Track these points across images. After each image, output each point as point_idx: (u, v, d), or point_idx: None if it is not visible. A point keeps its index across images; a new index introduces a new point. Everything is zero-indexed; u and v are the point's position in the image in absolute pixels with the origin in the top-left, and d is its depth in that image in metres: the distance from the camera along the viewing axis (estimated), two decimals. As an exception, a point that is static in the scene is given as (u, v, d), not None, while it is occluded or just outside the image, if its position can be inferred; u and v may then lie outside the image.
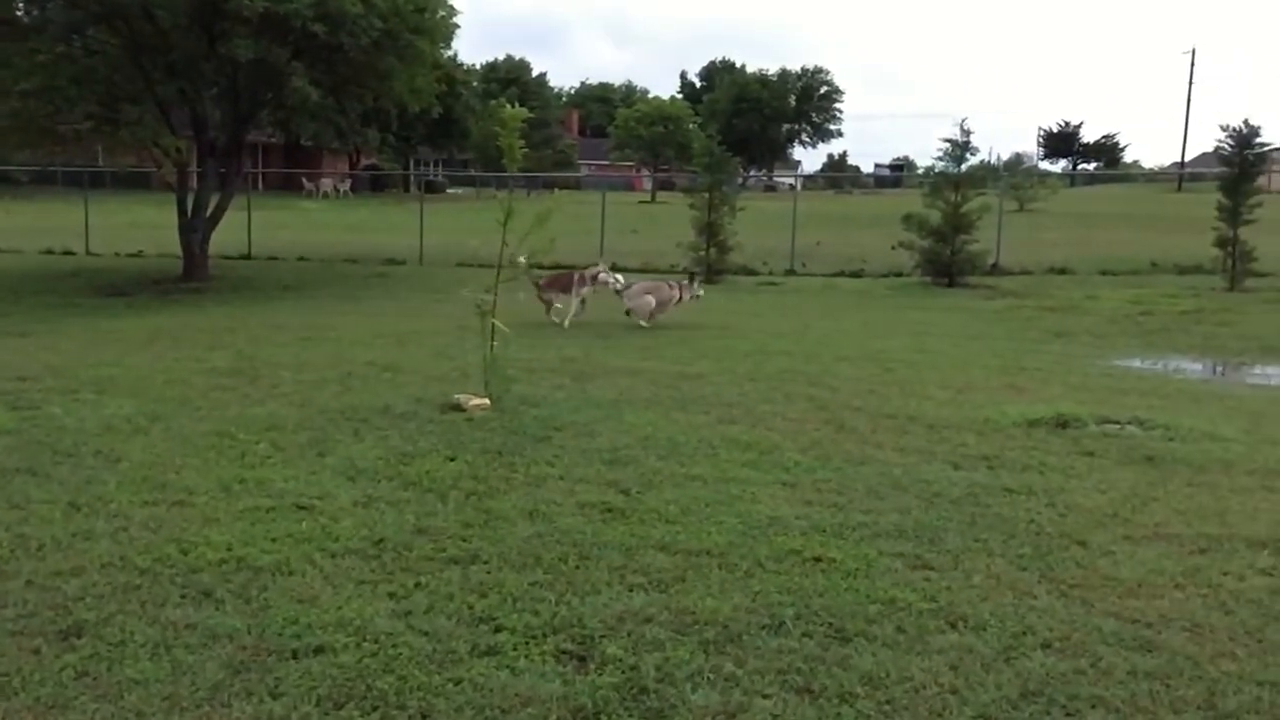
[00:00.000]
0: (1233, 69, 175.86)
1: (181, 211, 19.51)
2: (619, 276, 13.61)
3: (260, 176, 50.65)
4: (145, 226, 27.77)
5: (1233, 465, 6.44)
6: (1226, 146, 19.16)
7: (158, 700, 3.39)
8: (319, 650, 3.71)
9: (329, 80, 18.60)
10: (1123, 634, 3.97)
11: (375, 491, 5.58)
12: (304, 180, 56.29)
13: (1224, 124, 19.28)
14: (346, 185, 59.00)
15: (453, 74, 56.06)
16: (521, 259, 8.21)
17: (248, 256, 24.74)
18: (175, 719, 3.31)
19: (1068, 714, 3.40)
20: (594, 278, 13.37)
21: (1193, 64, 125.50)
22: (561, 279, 13.45)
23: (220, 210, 19.91)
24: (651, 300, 12.98)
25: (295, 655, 3.68)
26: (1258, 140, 19.10)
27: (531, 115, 8.65)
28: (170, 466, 6.03)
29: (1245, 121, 18.99)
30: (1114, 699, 3.48)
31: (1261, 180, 19.94)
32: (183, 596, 4.17)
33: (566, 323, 12.94)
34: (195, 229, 19.51)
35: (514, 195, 7.93)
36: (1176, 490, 5.89)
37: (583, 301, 13.41)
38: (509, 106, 8.20)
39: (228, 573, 4.41)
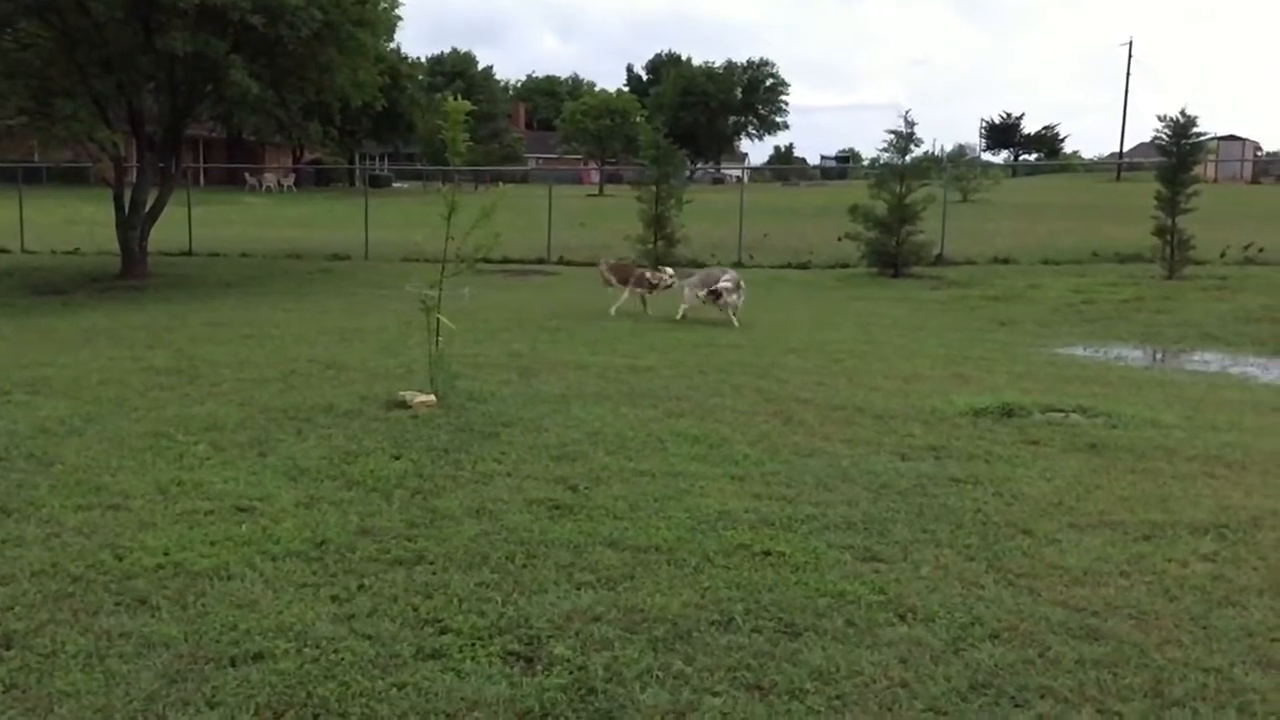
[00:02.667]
0: (1170, 60, 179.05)
1: (119, 208, 19.08)
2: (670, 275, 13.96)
3: (202, 172, 49.78)
4: (82, 223, 27.19)
5: (1174, 452, 6.52)
6: (1164, 137, 19.45)
7: (90, 713, 3.28)
8: (258, 657, 3.62)
9: (269, 73, 18.26)
10: (1070, 623, 3.98)
11: (318, 492, 5.48)
12: (247, 175, 55.49)
13: (1161, 114, 19.63)
14: (290, 180, 58.26)
15: (397, 67, 55.52)
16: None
17: (189, 253, 24.30)
18: (108, 732, 3.21)
19: (1016, 705, 3.40)
20: (652, 284, 13.70)
21: (1130, 55, 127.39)
22: (624, 269, 14.19)
23: (159, 206, 19.51)
24: (697, 296, 13.02)
25: (234, 663, 3.59)
26: (1194, 130, 19.38)
27: (475, 108, 8.54)
28: (105, 469, 5.87)
29: (1182, 112, 19.34)
30: (1062, 688, 3.49)
31: (1198, 170, 20.26)
32: (117, 604, 4.05)
33: (614, 310, 13.41)
34: (134, 226, 19.10)
35: (459, 189, 7.84)
36: (1120, 477, 5.95)
37: (643, 299, 13.77)
38: (452, 99, 8.10)
39: (164, 578, 4.29)
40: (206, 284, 18.52)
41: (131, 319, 13.15)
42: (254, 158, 61.24)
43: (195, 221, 25.27)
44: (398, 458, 6.14)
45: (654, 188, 20.56)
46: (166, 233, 22.06)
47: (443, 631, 3.83)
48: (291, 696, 3.37)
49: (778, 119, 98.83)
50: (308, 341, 10.82)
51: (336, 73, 18.73)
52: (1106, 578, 4.45)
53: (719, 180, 72.63)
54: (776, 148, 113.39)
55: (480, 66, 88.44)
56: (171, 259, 22.83)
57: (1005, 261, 21.81)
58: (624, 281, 13.87)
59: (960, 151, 62.10)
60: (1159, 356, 11.69)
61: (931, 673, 3.58)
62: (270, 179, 56.58)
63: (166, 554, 4.54)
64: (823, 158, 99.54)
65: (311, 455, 6.16)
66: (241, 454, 6.22)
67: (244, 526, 4.92)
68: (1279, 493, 5.69)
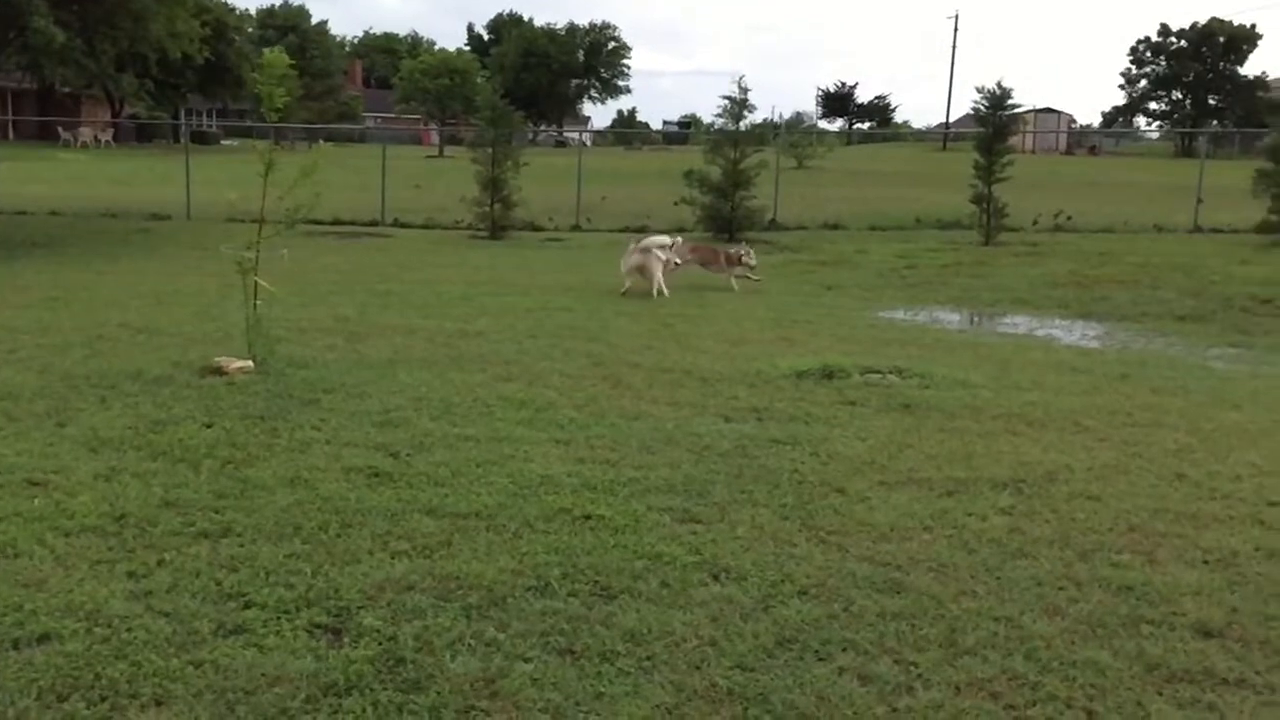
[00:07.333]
0: (996, 34, 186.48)
1: (-90, 161, 17.76)
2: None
3: (10, 124, 46.74)
4: None
5: (980, 410, 6.82)
6: (982, 107, 20.23)
7: None
8: (44, 638, 3.43)
9: (78, 21, 17.26)
10: (874, 577, 4.13)
11: (120, 463, 5.22)
12: (60, 129, 52.23)
13: (979, 85, 20.35)
14: (109, 135, 55.17)
15: (223, 19, 53.18)
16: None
17: (-9, 211, 22.76)
18: None
19: (819, 658, 3.50)
20: (739, 259, 13.54)
21: (956, 28, 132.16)
22: (703, 250, 13.96)
23: (-44, 160, 18.24)
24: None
25: (16, 645, 3.39)
26: (1010, 102, 20.24)
27: (295, 62, 8.23)
28: (-118, 443, 5.46)
29: (998, 84, 20.13)
30: (863, 641, 3.61)
31: (1015, 140, 21.16)
32: (-113, 588, 3.78)
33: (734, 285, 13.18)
34: (-73, 180, 17.80)
35: (278, 147, 7.56)
36: (929, 436, 6.19)
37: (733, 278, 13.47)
38: (270, 52, 7.81)
39: (-58, 559, 4.02)
40: (10, 244, 17.35)
41: (-77, 281, 12.24)
42: (68, 111, 57.78)
43: (0, 177, 23.66)
44: (209, 426, 5.90)
45: (490, 149, 20.28)
46: (-34, 189, 20.62)
47: (246, 606, 3.70)
48: (78, 679, 3.20)
49: (620, 83, 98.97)
50: (119, 305, 10.30)
51: (151, 22, 17.77)
52: (911, 533, 4.63)
53: (562, 143, 72.20)
54: (620, 111, 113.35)
55: (314, 21, 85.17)
56: (-28, 217, 21.35)
57: (835, 227, 22.35)
58: (711, 262, 13.60)
59: (798, 119, 63.52)
60: (973, 320, 12.20)
61: (740, 630, 3.66)
62: (86, 133, 53.40)
63: (-54, 533, 4.25)
64: (665, 122, 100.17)
65: (115, 425, 5.87)
66: (37, 424, 5.87)
67: (36, 501, 4.65)
68: (1073, 448, 6.02)
